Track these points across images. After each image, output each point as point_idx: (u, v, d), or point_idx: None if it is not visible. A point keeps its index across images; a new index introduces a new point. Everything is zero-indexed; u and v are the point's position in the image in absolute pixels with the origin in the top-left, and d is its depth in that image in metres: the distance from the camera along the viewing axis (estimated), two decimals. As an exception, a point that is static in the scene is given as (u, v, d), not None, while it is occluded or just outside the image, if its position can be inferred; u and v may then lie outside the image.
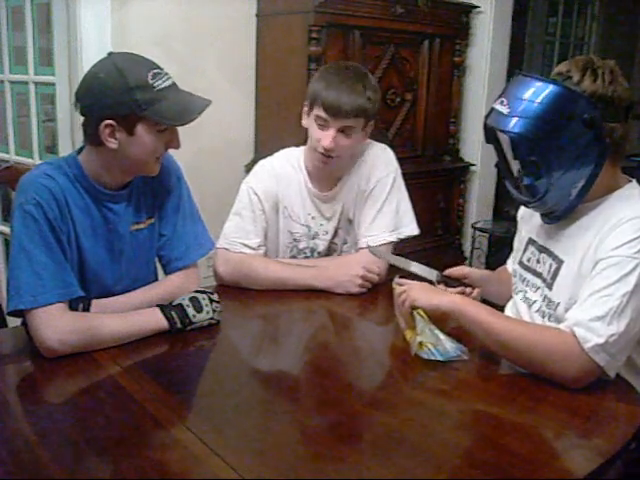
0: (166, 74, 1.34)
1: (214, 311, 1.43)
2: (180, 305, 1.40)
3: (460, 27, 3.28)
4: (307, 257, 1.87)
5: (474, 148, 3.48)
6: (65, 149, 2.64)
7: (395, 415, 1.15)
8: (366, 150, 1.85)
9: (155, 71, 1.32)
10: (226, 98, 2.83)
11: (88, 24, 2.46)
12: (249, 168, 2.05)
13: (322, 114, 1.68)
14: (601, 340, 1.14)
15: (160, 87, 1.31)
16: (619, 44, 4.88)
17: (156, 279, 1.59)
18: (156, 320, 1.37)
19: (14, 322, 1.64)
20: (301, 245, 1.86)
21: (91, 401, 1.17)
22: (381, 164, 1.83)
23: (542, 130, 1.22)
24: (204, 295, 1.44)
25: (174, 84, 1.35)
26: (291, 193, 1.83)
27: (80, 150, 1.42)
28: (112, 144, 1.32)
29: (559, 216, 1.34)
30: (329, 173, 1.81)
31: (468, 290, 1.54)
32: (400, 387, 1.29)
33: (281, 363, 1.40)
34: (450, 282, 1.55)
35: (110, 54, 1.37)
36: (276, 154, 1.90)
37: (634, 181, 1.34)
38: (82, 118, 1.37)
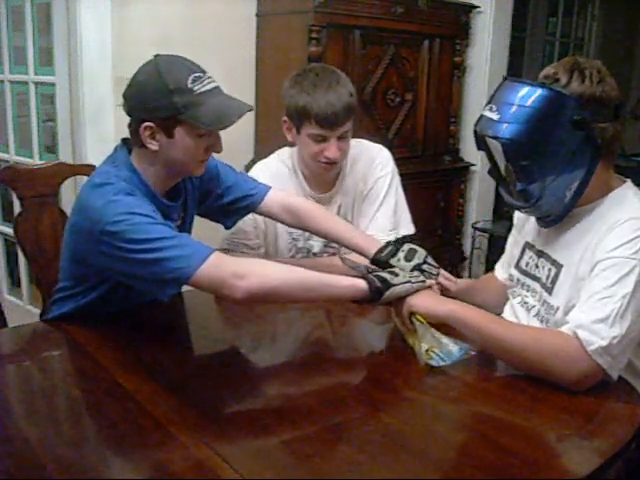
0: (209, 77, 1.33)
1: (422, 271, 1.35)
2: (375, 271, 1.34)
3: (460, 27, 3.28)
4: (305, 257, 1.87)
5: (474, 148, 3.47)
6: (65, 149, 2.64)
7: (395, 415, 1.15)
8: (363, 151, 1.85)
9: (196, 75, 1.31)
10: (226, 98, 2.82)
11: (88, 24, 2.45)
12: (249, 168, 2.05)
13: (317, 131, 1.66)
14: (604, 342, 1.13)
15: (200, 91, 1.30)
16: (619, 44, 4.88)
17: None
18: (352, 281, 1.29)
19: (14, 322, 1.64)
20: (299, 244, 1.87)
21: (91, 401, 1.17)
22: (378, 165, 1.84)
23: (533, 134, 1.22)
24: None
25: (217, 88, 1.34)
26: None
27: (125, 150, 1.41)
28: (153, 146, 1.33)
29: (555, 219, 1.33)
30: (329, 176, 1.81)
31: None
32: (400, 387, 1.29)
33: (281, 363, 1.40)
34: None
35: (156, 56, 1.35)
36: (271, 156, 1.91)
37: (629, 181, 1.34)
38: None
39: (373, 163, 1.84)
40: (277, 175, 1.84)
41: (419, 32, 3.09)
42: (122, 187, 1.31)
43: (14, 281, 3.17)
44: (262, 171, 1.86)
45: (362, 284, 1.29)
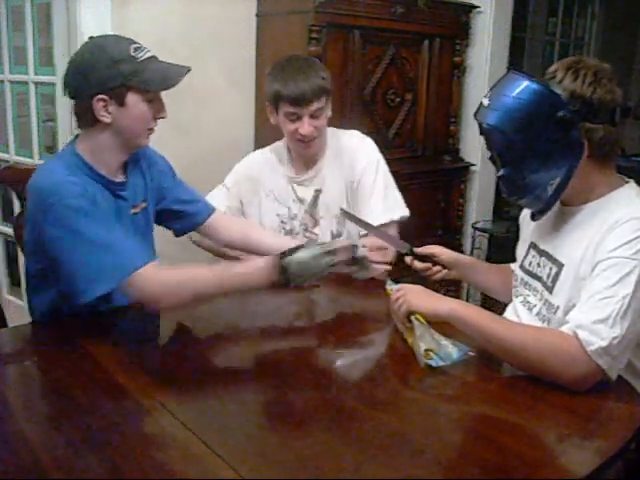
0: (145, 48, 1.43)
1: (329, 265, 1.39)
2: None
3: (460, 27, 3.28)
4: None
5: (474, 148, 3.48)
6: (65, 149, 2.64)
7: (395, 415, 1.15)
8: (345, 141, 1.96)
9: (135, 45, 1.41)
10: (226, 98, 2.82)
11: (88, 24, 2.45)
12: (249, 168, 2.10)
13: (290, 109, 1.82)
14: (604, 343, 1.13)
15: (142, 58, 1.39)
16: (619, 44, 4.88)
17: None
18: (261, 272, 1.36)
19: (15, 322, 1.64)
20: (287, 227, 2.01)
21: (91, 401, 1.17)
22: (362, 153, 1.95)
23: (514, 124, 1.25)
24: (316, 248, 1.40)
25: (154, 56, 1.44)
26: (275, 178, 2.00)
27: (73, 142, 1.47)
28: (106, 118, 1.39)
29: (538, 213, 1.36)
30: (309, 155, 1.94)
31: (435, 268, 1.61)
32: (400, 387, 1.29)
33: (280, 363, 1.40)
34: (419, 257, 1.61)
35: (90, 38, 1.44)
36: (268, 146, 2.08)
37: (632, 182, 1.34)
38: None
39: (356, 153, 1.94)
40: (266, 160, 2.03)
41: (419, 32, 3.09)
42: (60, 165, 1.40)
43: (14, 281, 3.17)
44: (255, 155, 2.09)
45: (266, 268, 1.36)
